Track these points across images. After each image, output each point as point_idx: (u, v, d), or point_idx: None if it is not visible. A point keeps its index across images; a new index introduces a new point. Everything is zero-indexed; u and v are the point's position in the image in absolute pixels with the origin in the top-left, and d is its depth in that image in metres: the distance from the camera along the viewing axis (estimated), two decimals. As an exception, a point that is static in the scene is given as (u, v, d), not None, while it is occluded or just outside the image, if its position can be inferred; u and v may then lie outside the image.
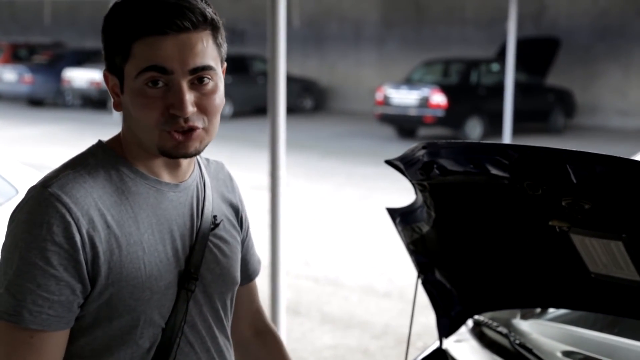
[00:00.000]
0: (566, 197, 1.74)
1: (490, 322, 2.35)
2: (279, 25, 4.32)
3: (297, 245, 7.73)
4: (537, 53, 17.91)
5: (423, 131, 17.45)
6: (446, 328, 2.32)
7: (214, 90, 1.45)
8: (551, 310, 2.64)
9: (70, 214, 1.37)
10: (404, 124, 17.12)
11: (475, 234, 2.12)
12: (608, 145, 14.92)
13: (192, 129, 1.43)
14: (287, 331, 5.08)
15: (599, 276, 1.93)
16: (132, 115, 1.44)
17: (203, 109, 1.44)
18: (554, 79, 18.58)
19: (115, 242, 1.41)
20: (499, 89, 15.64)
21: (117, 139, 1.51)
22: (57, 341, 1.39)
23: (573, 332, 2.42)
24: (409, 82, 17.29)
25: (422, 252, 2.20)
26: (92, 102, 22.26)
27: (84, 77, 21.93)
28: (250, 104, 20.05)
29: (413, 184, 2.03)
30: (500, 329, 2.30)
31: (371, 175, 12.11)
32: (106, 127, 17.79)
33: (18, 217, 1.39)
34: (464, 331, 2.41)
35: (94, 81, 21.63)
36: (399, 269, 7.29)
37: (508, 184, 1.81)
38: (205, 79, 1.43)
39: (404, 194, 11.30)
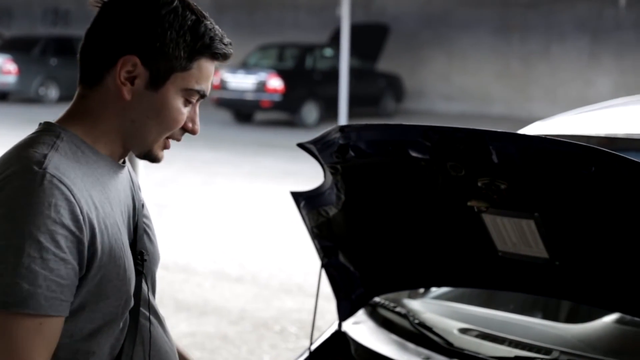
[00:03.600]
0: (482, 178, 1.78)
1: (387, 302, 2.37)
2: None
3: (143, 232, 7.53)
4: (368, 39, 18.37)
5: (260, 115, 17.50)
6: (346, 311, 2.32)
7: None
8: (434, 289, 2.71)
9: (73, 195, 1.34)
10: (241, 109, 17.08)
11: (385, 216, 2.13)
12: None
13: None
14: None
15: (506, 254, 1.99)
16: (147, 115, 1.44)
17: None
18: (383, 65, 19.14)
19: (103, 223, 1.39)
20: (333, 73, 15.94)
21: (73, 119, 1.45)
22: (60, 326, 1.36)
23: (464, 310, 2.50)
24: (245, 66, 17.25)
25: (326, 236, 2.19)
26: None
27: None
28: (78, 87, 19.29)
29: (323, 167, 2.02)
30: (398, 309, 2.33)
31: (211, 160, 12.01)
32: None
33: (15, 201, 1.31)
34: (360, 313, 2.42)
35: None
36: (249, 253, 7.28)
37: (426, 165, 1.83)
38: None
39: (246, 178, 11.32)
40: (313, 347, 2.31)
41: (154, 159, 1.49)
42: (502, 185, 1.77)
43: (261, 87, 16.30)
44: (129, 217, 1.51)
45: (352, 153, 1.87)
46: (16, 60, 19.79)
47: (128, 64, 1.41)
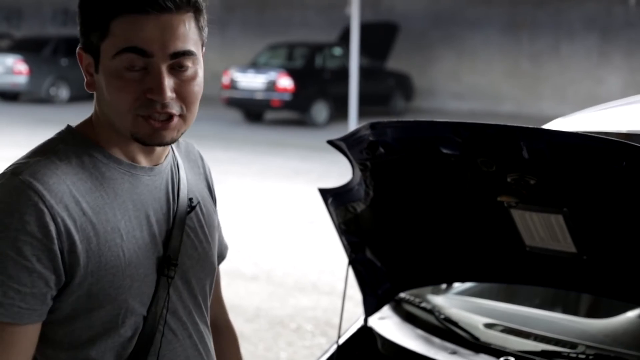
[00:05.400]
0: (512, 173, 1.80)
1: (412, 298, 2.40)
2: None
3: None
4: (377, 38, 18.37)
5: (270, 115, 17.52)
6: (372, 306, 2.35)
7: (193, 77, 1.40)
8: (456, 284, 2.73)
9: (44, 202, 1.30)
10: (251, 108, 17.11)
11: (413, 212, 2.15)
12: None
13: (170, 117, 1.37)
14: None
15: (533, 249, 2.01)
16: (106, 98, 1.38)
17: (182, 96, 1.38)
18: (393, 63, 19.13)
19: (92, 230, 1.35)
20: (342, 72, 15.95)
21: (88, 123, 1.46)
22: (28, 335, 1.33)
23: (488, 305, 2.52)
24: (255, 65, 17.27)
25: (354, 231, 2.21)
26: None
27: None
28: (89, 87, 19.32)
29: (352, 164, 2.04)
30: (423, 304, 2.35)
31: (222, 159, 12.04)
32: None
33: None
34: (386, 308, 2.44)
35: None
36: (263, 252, 7.31)
37: (455, 161, 1.85)
38: (186, 64, 1.38)
39: (257, 177, 11.32)
40: (340, 342, 2.33)
41: (143, 141, 1.39)
42: (532, 181, 1.79)
43: (271, 86, 16.32)
44: (155, 222, 1.44)
45: (382, 149, 1.90)
46: (27, 60, 19.87)
47: (81, 58, 1.41)
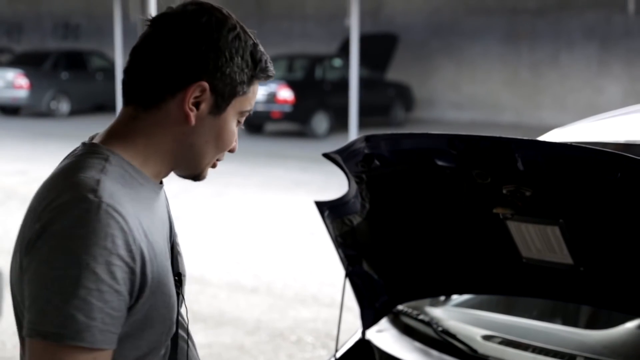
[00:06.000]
0: (507, 185, 1.80)
1: (410, 310, 2.39)
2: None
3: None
4: (377, 49, 18.40)
5: (270, 126, 17.54)
6: (370, 319, 2.34)
7: None
8: (454, 296, 2.73)
9: (127, 225, 1.31)
10: (251, 120, 17.08)
11: (409, 224, 2.15)
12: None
13: None
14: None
15: (530, 261, 2.01)
16: (206, 140, 1.43)
17: None
18: (393, 74, 19.17)
19: (152, 251, 1.37)
20: (343, 84, 15.97)
21: (120, 140, 1.42)
22: (110, 359, 1.32)
23: (486, 317, 2.51)
24: (255, 77, 17.29)
25: (350, 244, 2.21)
26: None
27: None
28: (89, 101, 19.45)
29: (348, 177, 2.05)
30: (421, 317, 2.35)
31: (223, 171, 11.88)
32: None
33: (71, 232, 1.28)
34: (383, 321, 2.44)
35: None
36: (263, 264, 7.30)
37: (451, 173, 1.85)
38: None
39: (258, 189, 11.32)
40: (338, 355, 2.33)
41: (201, 178, 1.48)
42: (527, 192, 1.80)
43: (271, 98, 16.34)
44: (168, 239, 1.48)
45: (377, 162, 1.90)
46: (27, 74, 19.90)
47: (197, 90, 1.38)
